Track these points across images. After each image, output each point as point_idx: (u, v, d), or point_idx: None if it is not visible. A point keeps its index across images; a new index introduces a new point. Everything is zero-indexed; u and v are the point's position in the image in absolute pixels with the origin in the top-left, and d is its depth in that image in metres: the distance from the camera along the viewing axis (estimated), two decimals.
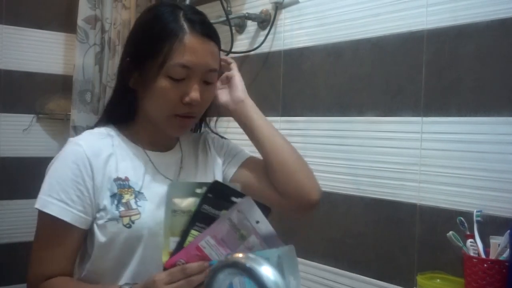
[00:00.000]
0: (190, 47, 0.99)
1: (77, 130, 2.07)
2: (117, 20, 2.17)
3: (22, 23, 2.23)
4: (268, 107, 1.83)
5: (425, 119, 1.36)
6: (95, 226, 1.01)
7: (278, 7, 1.77)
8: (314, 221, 1.65)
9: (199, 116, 1.10)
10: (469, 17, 1.28)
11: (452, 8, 1.31)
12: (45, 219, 1.00)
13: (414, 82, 1.39)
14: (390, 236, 1.44)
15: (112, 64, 2.18)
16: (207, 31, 1.02)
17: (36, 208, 1.01)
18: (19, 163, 2.19)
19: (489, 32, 1.24)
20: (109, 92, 2.18)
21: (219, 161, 1.19)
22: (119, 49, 2.19)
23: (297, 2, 1.72)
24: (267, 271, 0.61)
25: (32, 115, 2.26)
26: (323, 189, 1.64)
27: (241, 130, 2.00)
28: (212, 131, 1.26)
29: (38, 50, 2.27)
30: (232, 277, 0.67)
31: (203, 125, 1.25)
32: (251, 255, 0.64)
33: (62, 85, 2.31)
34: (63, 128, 2.24)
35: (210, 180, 1.13)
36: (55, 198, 0.99)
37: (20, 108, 2.24)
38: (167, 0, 1.91)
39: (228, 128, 1.98)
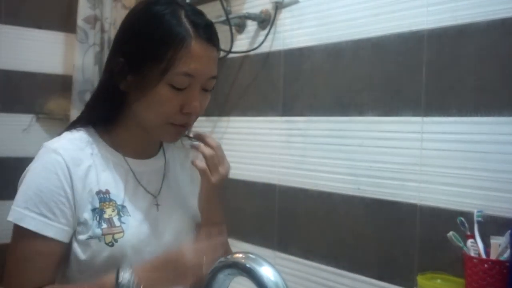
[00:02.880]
0: (195, 54, 0.93)
1: None
2: (116, 20, 2.17)
3: (21, 23, 2.22)
4: (268, 107, 1.82)
5: (426, 119, 1.36)
6: (74, 240, 0.95)
7: (278, 6, 1.77)
8: (314, 221, 1.65)
9: (193, 123, 1.04)
10: (469, 17, 1.27)
11: (453, 8, 1.30)
12: (23, 233, 0.93)
13: (414, 82, 1.38)
14: (390, 236, 1.43)
15: None
16: (211, 36, 0.97)
17: (10, 221, 0.93)
18: (18, 163, 2.17)
19: (489, 32, 1.24)
20: None
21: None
22: None
23: (297, 2, 1.72)
24: (267, 271, 0.61)
25: (32, 115, 2.26)
26: (323, 189, 1.65)
27: (240, 131, 2.01)
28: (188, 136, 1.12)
29: (37, 50, 2.27)
30: (232, 277, 0.67)
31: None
32: (251, 255, 0.64)
33: (61, 85, 2.31)
34: (62, 128, 2.22)
35: (192, 191, 1.10)
36: (34, 212, 0.92)
37: (19, 108, 2.23)
38: None
39: (227, 128, 1.98)
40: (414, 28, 1.39)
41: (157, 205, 1.03)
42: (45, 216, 0.93)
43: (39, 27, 2.27)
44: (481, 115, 1.25)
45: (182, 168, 1.12)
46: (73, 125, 1.07)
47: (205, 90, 0.99)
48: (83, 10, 2.11)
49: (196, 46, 0.93)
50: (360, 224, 1.51)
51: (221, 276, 0.66)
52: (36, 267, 0.94)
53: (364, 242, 1.50)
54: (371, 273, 1.48)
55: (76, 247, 0.95)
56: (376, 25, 1.48)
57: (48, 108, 2.28)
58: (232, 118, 1.96)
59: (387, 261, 1.44)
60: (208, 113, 2.02)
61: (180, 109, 0.95)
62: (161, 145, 1.10)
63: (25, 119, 2.24)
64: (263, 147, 1.82)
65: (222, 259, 0.67)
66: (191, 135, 1.07)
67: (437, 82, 1.34)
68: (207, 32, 0.96)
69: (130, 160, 1.03)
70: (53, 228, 0.93)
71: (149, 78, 0.94)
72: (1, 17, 2.18)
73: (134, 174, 1.02)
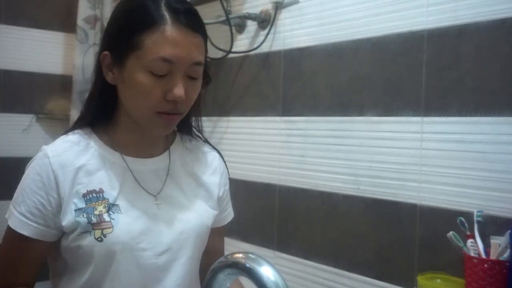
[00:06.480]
0: (172, 40, 0.91)
1: None
2: None
3: (21, 22, 2.23)
4: (268, 107, 1.82)
5: (425, 119, 1.36)
6: (69, 239, 0.96)
7: (278, 6, 1.77)
8: (314, 221, 1.65)
9: (185, 112, 1.00)
10: (469, 17, 1.28)
11: (453, 8, 1.31)
12: (8, 229, 0.98)
13: (414, 82, 1.38)
14: (390, 236, 1.44)
15: None
16: (191, 22, 0.94)
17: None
18: (18, 163, 2.18)
19: (489, 32, 1.24)
20: None
21: (216, 194, 1.12)
22: None
23: (297, 2, 1.72)
24: (267, 271, 0.61)
25: (32, 115, 2.26)
26: (323, 189, 1.65)
27: (240, 131, 2.00)
28: (207, 141, 1.17)
29: (37, 50, 2.27)
30: (232, 277, 0.67)
31: (192, 128, 1.15)
32: (251, 255, 0.64)
33: (61, 85, 2.31)
34: (62, 128, 2.22)
35: (197, 195, 1.08)
36: (17, 210, 0.96)
37: (19, 108, 2.24)
38: None
39: (227, 128, 1.98)
40: (414, 28, 1.39)
41: (158, 203, 1.02)
42: (24, 216, 0.96)
43: (39, 27, 2.27)
44: (481, 115, 1.25)
45: (186, 172, 1.09)
46: (72, 128, 1.06)
47: (191, 77, 0.96)
48: (83, 10, 2.12)
49: (173, 31, 0.92)
50: (360, 224, 1.51)
51: (221, 276, 0.66)
52: (15, 264, 0.98)
53: (364, 242, 1.50)
54: (371, 273, 1.48)
55: (70, 244, 0.96)
56: (376, 25, 1.48)
57: (48, 108, 2.29)
58: (232, 118, 1.96)
59: (387, 261, 1.44)
60: (208, 113, 2.03)
61: (163, 96, 0.93)
62: (166, 147, 1.09)
63: (25, 119, 2.24)
64: (263, 147, 1.82)
65: (222, 259, 0.67)
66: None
67: (437, 82, 1.34)
68: (187, 18, 0.94)
69: (128, 159, 1.02)
70: (29, 227, 0.95)
71: (129, 67, 0.94)
72: (1, 17, 2.18)
73: (132, 172, 1.01)
